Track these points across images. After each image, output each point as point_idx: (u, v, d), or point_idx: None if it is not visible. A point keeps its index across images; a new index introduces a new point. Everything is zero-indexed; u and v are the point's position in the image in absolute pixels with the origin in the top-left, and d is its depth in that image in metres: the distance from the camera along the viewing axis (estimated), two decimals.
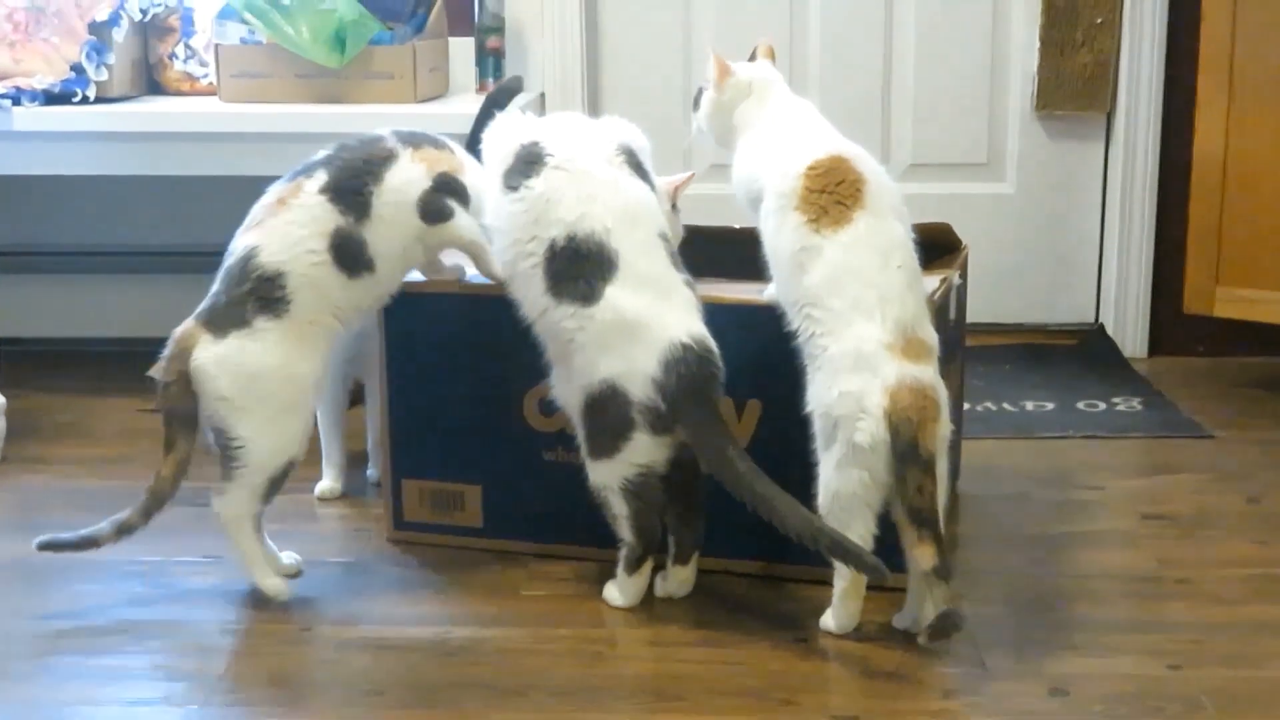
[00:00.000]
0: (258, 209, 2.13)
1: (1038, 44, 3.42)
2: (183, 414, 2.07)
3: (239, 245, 2.10)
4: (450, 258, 2.23)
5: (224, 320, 2.07)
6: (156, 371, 2.08)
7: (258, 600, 2.14)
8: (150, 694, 1.89)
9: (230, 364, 2.05)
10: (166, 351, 2.08)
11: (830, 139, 2.07)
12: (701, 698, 1.86)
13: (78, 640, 2.04)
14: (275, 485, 2.12)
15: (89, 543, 2.09)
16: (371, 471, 2.54)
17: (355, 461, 2.57)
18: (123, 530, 2.09)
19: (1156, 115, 3.40)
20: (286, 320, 2.07)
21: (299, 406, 2.12)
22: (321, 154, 2.16)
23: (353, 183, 2.11)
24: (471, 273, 2.21)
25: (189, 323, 2.09)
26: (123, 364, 3.25)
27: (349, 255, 2.10)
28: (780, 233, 2.01)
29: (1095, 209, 3.52)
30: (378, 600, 2.17)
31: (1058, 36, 3.40)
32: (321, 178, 2.11)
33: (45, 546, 2.10)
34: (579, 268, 1.99)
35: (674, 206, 2.22)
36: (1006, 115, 3.51)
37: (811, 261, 1.96)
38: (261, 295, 2.06)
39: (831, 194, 1.97)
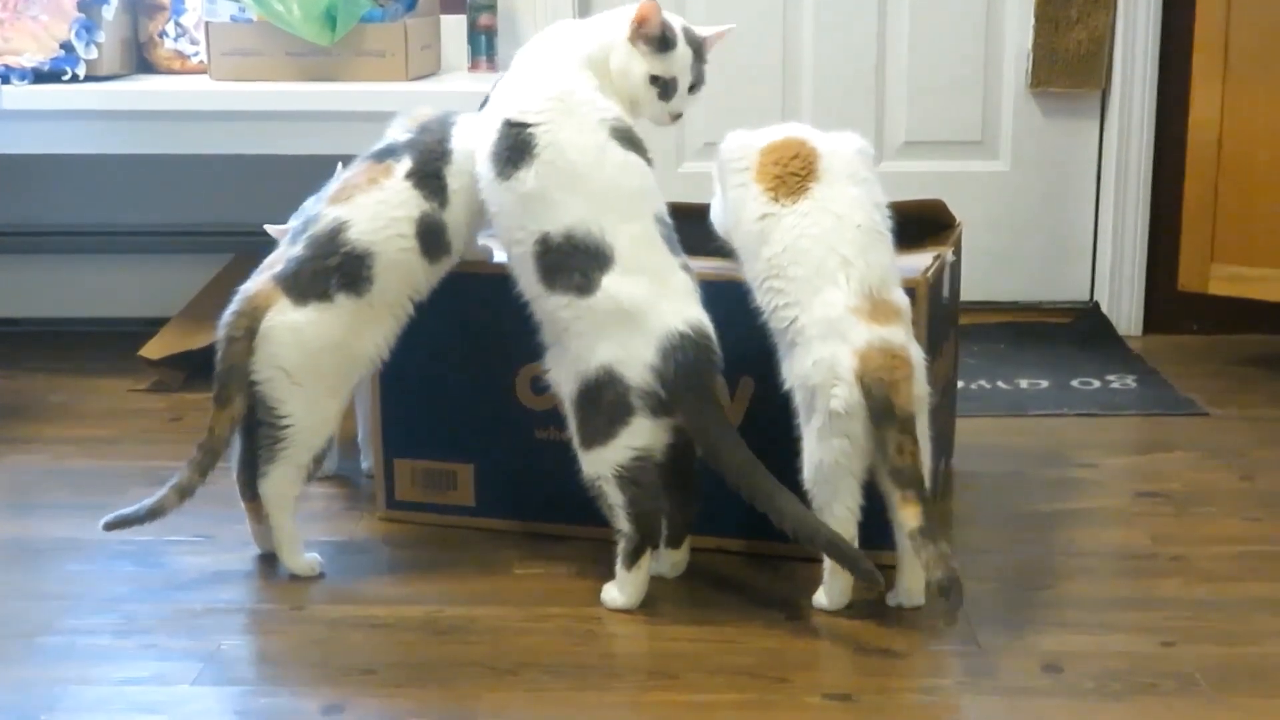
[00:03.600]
0: (345, 184, 2.11)
1: (1032, 20, 3.41)
2: (243, 371, 2.05)
3: (326, 215, 2.08)
4: (480, 239, 2.22)
5: (307, 288, 2.05)
6: (219, 328, 2.05)
7: (249, 579, 2.14)
8: (142, 673, 1.89)
9: (303, 334, 2.04)
10: (235, 306, 2.06)
11: (787, 127, 2.10)
12: (694, 676, 1.86)
13: (69, 620, 2.03)
14: (319, 462, 2.13)
15: (155, 513, 2.07)
16: (366, 464, 2.52)
17: (346, 441, 2.56)
18: (184, 493, 2.07)
19: (1151, 92, 3.39)
20: (365, 299, 2.07)
21: (349, 385, 2.12)
22: (404, 134, 2.14)
23: (431, 167, 2.10)
24: (500, 256, 2.18)
25: (264, 281, 2.07)
26: (114, 344, 3.24)
27: (432, 241, 2.10)
28: (743, 207, 2.04)
29: (1090, 186, 3.51)
30: (370, 579, 2.16)
31: (1052, 13, 3.39)
32: (407, 163, 2.10)
33: (113, 525, 2.08)
34: (573, 260, 1.97)
35: (700, 55, 2.17)
36: (1001, 92, 3.50)
37: (771, 231, 1.99)
38: (348, 272, 2.06)
39: (786, 166, 2.01)
